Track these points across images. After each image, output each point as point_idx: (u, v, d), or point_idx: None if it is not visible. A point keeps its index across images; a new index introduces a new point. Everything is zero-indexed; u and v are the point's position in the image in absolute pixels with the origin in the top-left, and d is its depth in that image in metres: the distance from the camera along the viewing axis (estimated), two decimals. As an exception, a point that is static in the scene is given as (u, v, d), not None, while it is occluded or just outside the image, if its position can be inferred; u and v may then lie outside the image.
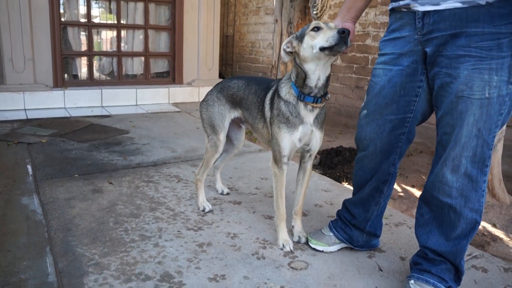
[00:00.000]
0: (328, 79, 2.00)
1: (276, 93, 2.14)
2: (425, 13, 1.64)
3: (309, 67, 1.95)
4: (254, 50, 8.67)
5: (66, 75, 6.01)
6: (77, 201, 2.69)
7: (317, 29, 1.88)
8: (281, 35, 5.03)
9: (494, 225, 3.18)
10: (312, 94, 2.00)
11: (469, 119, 1.58)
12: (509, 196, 3.45)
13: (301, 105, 2.04)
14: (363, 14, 2.00)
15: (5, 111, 5.19)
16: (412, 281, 1.82)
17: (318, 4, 4.01)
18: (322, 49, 1.84)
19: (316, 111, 2.06)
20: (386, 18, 5.69)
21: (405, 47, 1.76)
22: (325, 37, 1.82)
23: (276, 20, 5.08)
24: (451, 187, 1.67)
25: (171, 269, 1.99)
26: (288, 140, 2.08)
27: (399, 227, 2.56)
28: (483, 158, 1.63)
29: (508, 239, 2.99)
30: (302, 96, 2.01)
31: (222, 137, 2.49)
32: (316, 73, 1.96)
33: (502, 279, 2.06)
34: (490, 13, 1.50)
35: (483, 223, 3.21)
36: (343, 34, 1.76)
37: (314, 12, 4.13)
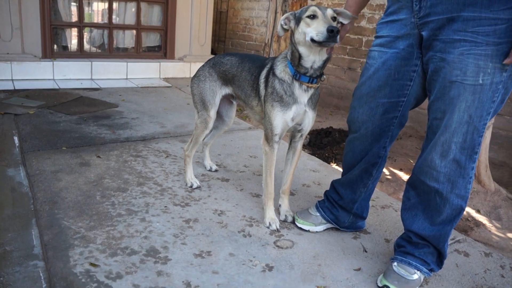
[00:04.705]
0: (325, 62, 1.99)
1: (271, 71, 2.12)
2: None
3: (303, 50, 1.94)
4: (247, 27, 8.56)
5: (55, 46, 5.89)
6: (64, 174, 2.67)
7: (312, 16, 1.86)
8: (276, 13, 4.97)
9: (478, 211, 3.23)
10: (308, 74, 1.98)
11: (460, 104, 1.58)
12: (494, 183, 3.50)
13: (296, 85, 2.02)
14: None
15: (-9, 80, 5.08)
16: (395, 263, 1.85)
17: (314, -18, 3.95)
18: (312, 40, 1.84)
19: (311, 91, 2.04)
20: (381, 0, 5.64)
21: (401, 30, 1.75)
22: (316, 30, 1.82)
23: (271, -2, 5.01)
24: (439, 172, 1.67)
25: (157, 244, 2.00)
26: (281, 119, 2.07)
27: (385, 210, 2.58)
28: (472, 145, 1.63)
29: (490, 225, 3.04)
30: (297, 75, 1.99)
31: (213, 113, 2.47)
32: (311, 57, 1.95)
33: (483, 264, 2.10)
34: None
35: (467, 209, 3.25)
36: (332, 33, 1.76)
37: (310, -10, 4.07)
